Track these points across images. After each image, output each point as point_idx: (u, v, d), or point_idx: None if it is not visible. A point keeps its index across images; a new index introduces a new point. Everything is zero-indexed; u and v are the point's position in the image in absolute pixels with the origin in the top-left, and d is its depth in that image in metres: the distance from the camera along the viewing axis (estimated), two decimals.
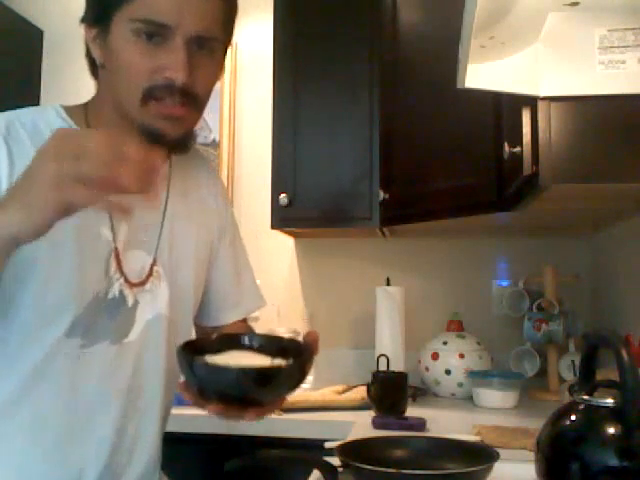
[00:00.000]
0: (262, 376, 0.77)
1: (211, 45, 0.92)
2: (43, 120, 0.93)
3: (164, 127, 0.91)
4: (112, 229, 0.94)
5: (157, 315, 0.99)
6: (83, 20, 0.94)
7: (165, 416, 1.06)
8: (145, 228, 0.98)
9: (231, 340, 0.88)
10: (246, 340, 0.89)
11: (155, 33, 0.87)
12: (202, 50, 0.91)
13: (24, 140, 0.89)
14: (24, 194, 0.68)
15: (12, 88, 2.46)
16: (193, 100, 0.91)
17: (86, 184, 0.65)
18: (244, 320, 1.19)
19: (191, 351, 0.80)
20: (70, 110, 0.97)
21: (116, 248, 0.94)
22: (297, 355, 0.82)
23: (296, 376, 0.80)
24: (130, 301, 0.96)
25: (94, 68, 0.98)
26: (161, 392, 1.02)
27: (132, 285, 0.96)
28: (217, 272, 1.13)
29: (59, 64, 2.60)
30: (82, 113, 0.97)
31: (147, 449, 1.01)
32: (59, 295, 0.90)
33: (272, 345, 0.87)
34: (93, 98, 1.00)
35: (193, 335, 1.13)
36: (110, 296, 0.94)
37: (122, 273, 0.95)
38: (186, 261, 1.04)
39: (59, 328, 0.90)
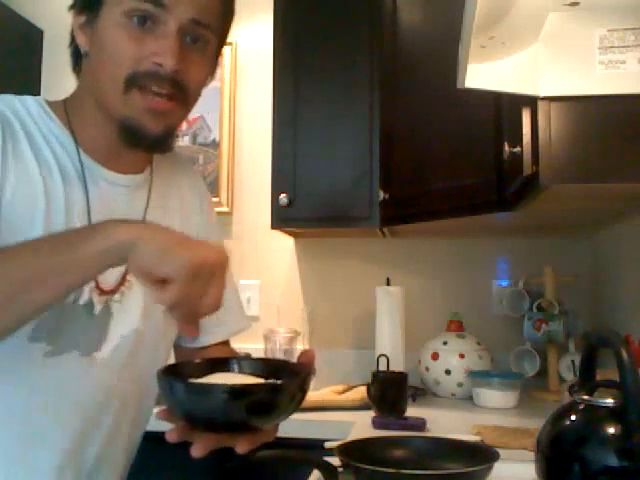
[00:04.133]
0: (255, 394, 0.67)
1: (205, 37, 0.88)
2: (24, 108, 0.92)
3: (146, 121, 0.85)
4: None
5: (131, 330, 0.94)
6: (73, 6, 0.91)
7: (132, 434, 1.01)
8: None
9: (218, 364, 0.79)
10: (234, 364, 0.79)
11: (148, 16, 0.83)
12: (195, 44, 0.87)
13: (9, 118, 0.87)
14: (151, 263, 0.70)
15: (12, 88, 2.44)
16: (182, 93, 0.86)
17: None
18: (227, 343, 1.12)
19: (172, 375, 0.73)
20: (50, 104, 0.95)
21: None
22: (292, 377, 0.75)
23: (293, 396, 0.71)
24: (97, 309, 0.90)
25: (76, 61, 0.95)
26: (127, 410, 0.97)
27: (102, 292, 0.90)
28: None
29: (59, 64, 2.58)
30: (61, 109, 0.94)
31: (113, 470, 0.97)
32: None
33: (264, 368, 0.79)
34: (72, 95, 0.96)
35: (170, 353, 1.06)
36: (80, 302, 0.88)
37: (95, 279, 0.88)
38: None
39: (24, 328, 0.84)
